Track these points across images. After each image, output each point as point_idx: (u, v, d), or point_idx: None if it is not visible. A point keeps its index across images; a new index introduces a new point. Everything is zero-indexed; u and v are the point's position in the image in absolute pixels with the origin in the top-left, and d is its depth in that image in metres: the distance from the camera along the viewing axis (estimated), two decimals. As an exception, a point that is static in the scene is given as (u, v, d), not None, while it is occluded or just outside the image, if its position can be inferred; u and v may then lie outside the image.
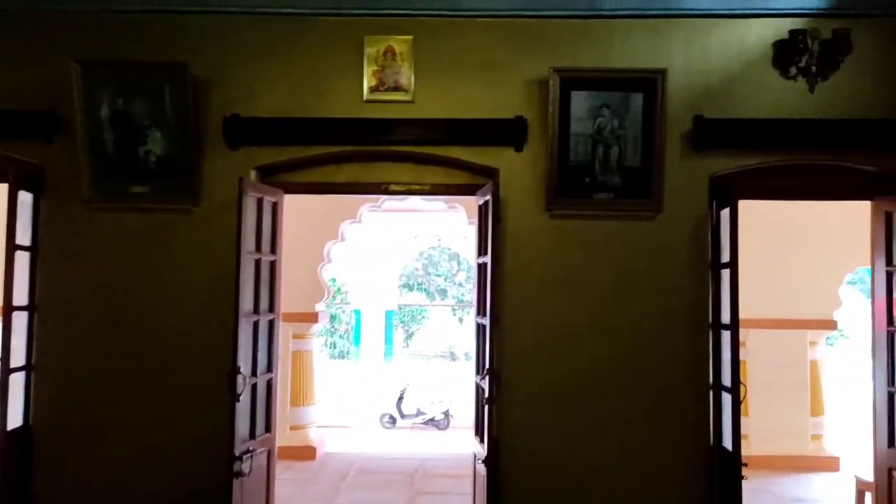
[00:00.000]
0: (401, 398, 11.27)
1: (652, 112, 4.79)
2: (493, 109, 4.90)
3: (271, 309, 4.94)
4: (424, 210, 10.65)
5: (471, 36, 4.93)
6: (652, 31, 4.91)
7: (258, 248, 4.74)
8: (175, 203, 4.85)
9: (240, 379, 4.41)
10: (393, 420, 11.09)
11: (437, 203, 7.85)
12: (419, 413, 11.09)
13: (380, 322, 14.32)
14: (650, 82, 4.79)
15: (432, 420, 11.02)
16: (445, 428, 10.83)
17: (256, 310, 4.73)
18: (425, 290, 22.15)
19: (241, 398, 4.42)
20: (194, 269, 4.85)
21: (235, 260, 4.42)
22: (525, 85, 4.90)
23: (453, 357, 19.65)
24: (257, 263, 4.73)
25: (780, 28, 4.85)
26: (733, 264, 4.62)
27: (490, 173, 4.94)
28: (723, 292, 4.76)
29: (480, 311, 4.98)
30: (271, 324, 4.95)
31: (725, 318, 4.70)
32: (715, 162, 4.89)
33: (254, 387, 4.70)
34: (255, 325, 4.71)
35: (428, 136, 4.89)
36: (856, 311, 14.35)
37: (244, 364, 4.51)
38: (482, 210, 4.99)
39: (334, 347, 19.03)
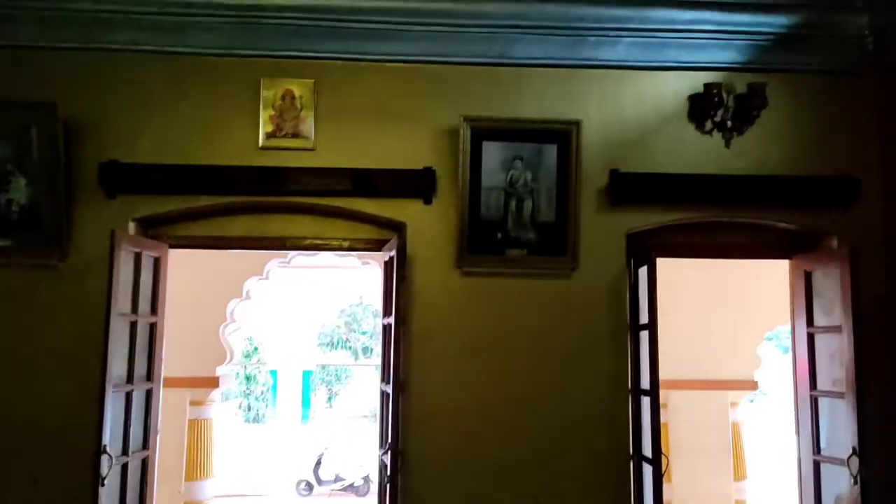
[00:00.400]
0: (318, 463, 10.65)
1: (566, 165, 4.56)
2: (401, 159, 4.59)
3: (149, 377, 4.40)
4: (340, 266, 10.20)
5: (377, 81, 4.64)
6: (566, 82, 4.71)
7: (134, 309, 4.24)
8: (40, 257, 4.32)
9: (105, 460, 3.85)
10: (310, 487, 10.44)
11: (351, 259, 7.43)
12: (338, 479, 10.49)
13: (297, 383, 13.64)
14: (564, 134, 4.56)
15: (352, 486, 10.42)
16: (365, 494, 10.23)
17: (130, 378, 4.19)
18: (350, 348, 21.47)
19: (106, 482, 3.86)
20: (59, 332, 4.30)
21: (104, 321, 3.91)
22: (435, 134, 4.61)
23: (376, 418, 18.99)
24: (133, 326, 4.22)
25: (695, 81, 4.73)
26: (652, 326, 4.37)
27: (397, 227, 4.59)
28: (642, 355, 4.49)
29: (385, 377, 4.56)
30: (149, 394, 4.41)
31: (645, 382, 4.41)
32: (632, 218, 4.67)
33: (125, 467, 4.13)
34: (129, 395, 4.17)
35: (330, 186, 4.52)
36: (773, 368, 14.44)
37: (112, 442, 3.95)
38: (388, 267, 4.62)
39: (250, 410, 18.08)
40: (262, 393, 18.20)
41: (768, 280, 5.95)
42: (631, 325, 4.60)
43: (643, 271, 4.53)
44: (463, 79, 4.66)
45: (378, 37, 4.60)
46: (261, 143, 4.51)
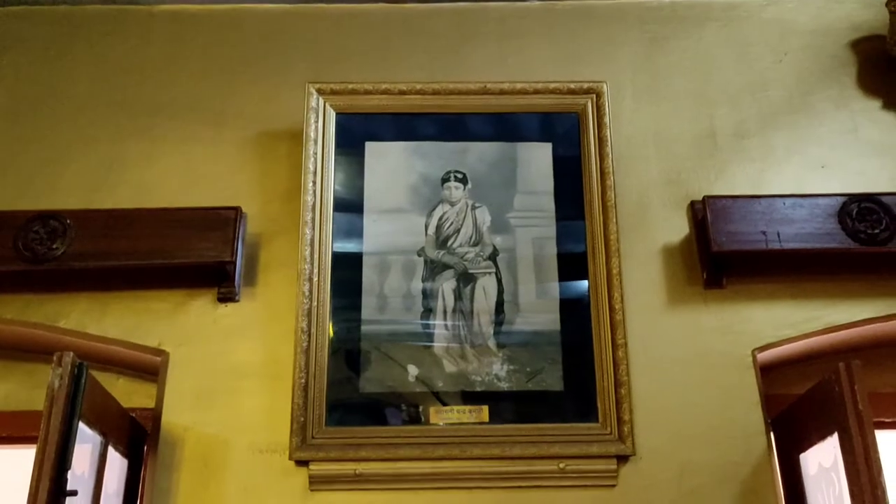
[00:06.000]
0: None
1: (575, 189, 1.82)
2: (167, 192, 1.87)
3: None
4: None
5: (128, 32, 2.06)
6: (570, 19, 2.08)
7: None
8: None
9: None
10: None
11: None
12: None
13: None
14: (565, 119, 1.88)
15: None
16: None
17: None
18: None
19: None
20: None
21: None
22: (250, 138, 1.93)
23: None
24: None
25: (853, 9, 2.06)
26: None
27: (147, 369, 1.76)
28: None
29: None
30: None
31: None
32: (761, 317, 1.78)
33: None
34: None
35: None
36: None
37: None
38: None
39: None
40: None
41: None
42: None
43: (813, 461, 1.59)
44: (319, 21, 2.07)
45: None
46: None
